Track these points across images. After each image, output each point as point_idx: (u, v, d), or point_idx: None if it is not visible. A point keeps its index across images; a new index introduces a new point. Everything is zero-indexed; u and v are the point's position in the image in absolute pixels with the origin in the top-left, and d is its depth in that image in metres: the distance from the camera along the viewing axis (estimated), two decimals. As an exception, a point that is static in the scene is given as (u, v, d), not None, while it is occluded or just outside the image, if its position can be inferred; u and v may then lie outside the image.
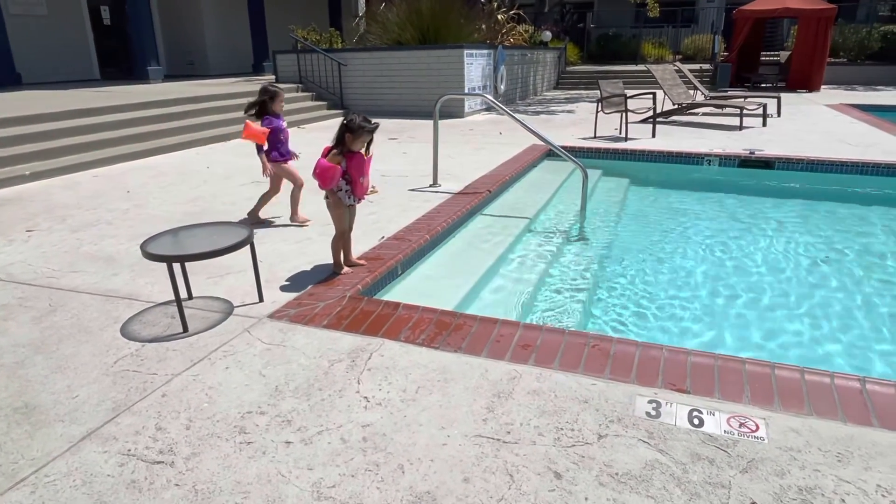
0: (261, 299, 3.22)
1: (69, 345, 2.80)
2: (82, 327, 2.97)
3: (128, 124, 8.05)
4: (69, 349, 2.76)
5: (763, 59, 19.02)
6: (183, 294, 3.13)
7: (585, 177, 5.32)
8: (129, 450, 2.07)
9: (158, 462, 2.01)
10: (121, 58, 14.75)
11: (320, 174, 3.28)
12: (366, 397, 2.35)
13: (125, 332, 2.92)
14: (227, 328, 2.94)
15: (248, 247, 3.05)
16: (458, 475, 1.93)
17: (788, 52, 18.30)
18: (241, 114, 9.82)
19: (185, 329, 2.91)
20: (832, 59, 18.70)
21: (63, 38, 13.82)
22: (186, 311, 3.00)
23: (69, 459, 2.03)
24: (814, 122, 10.19)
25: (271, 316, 3.05)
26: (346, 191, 3.41)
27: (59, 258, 3.96)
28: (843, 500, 1.79)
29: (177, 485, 1.90)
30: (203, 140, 8.45)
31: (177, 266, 3.04)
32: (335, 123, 11.42)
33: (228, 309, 3.15)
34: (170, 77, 15.44)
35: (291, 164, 4.60)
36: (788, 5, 16.40)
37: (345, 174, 3.34)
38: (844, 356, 3.40)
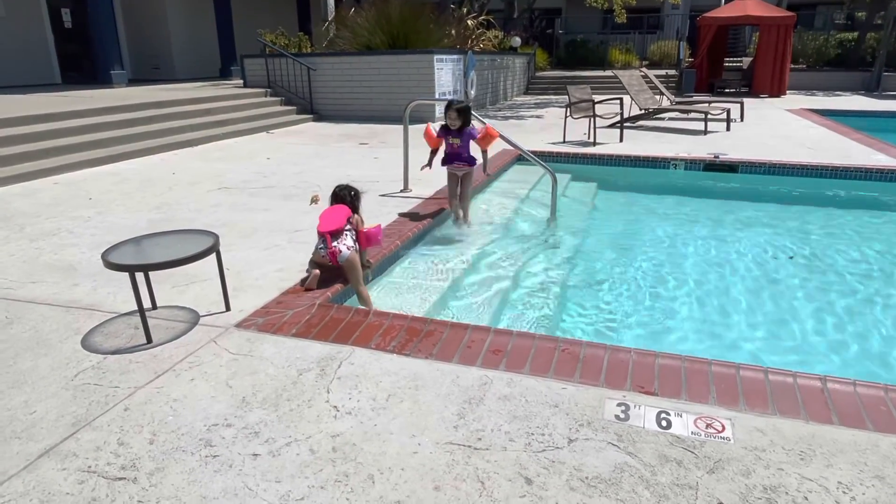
0: (227, 308, 3.16)
1: (27, 358, 2.71)
2: (41, 340, 2.88)
3: (90, 130, 7.84)
4: (27, 363, 2.67)
5: (727, 64, 19.50)
6: (147, 304, 3.05)
7: (555, 182, 5.37)
8: (90, 466, 2.01)
9: (120, 478, 1.95)
10: (83, 61, 14.39)
11: (374, 237, 3.60)
12: (335, 406, 2.33)
13: (86, 344, 2.84)
14: (193, 338, 2.88)
15: (214, 254, 3.00)
16: (429, 483, 1.91)
17: (751, 58, 18.79)
18: (207, 118, 9.73)
19: (149, 340, 2.84)
20: (793, 66, 19.26)
21: (21, 40, 13.44)
22: (150, 322, 2.93)
23: (26, 478, 1.96)
24: (775, 127, 10.47)
25: (238, 325, 3.00)
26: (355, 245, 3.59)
27: (16, 268, 3.83)
28: (807, 498, 1.83)
29: (140, 501, 1.85)
30: (169, 146, 8.27)
31: (140, 275, 2.97)
32: (305, 128, 11.33)
33: (194, 319, 3.08)
34: (134, 81, 15.13)
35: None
36: (750, 13, 16.86)
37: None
38: (813, 354, 3.49)
